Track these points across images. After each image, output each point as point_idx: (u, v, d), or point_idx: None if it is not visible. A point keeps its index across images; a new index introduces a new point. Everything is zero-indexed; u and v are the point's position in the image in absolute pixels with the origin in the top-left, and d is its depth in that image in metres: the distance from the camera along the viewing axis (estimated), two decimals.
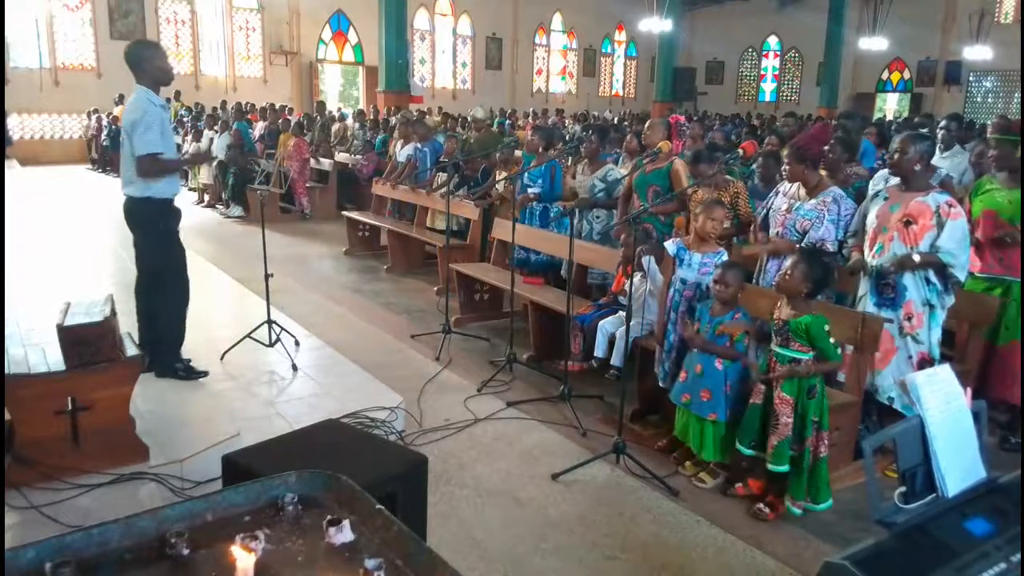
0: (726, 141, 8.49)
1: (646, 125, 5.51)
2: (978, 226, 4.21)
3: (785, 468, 3.24)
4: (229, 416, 3.81)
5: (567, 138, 12.40)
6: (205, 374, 4.27)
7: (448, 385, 4.72)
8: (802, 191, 4.12)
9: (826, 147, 4.78)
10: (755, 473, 3.46)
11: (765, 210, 4.37)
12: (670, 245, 3.99)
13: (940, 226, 3.59)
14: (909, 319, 3.72)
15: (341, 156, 12.10)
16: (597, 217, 5.71)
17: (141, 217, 4.08)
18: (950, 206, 3.61)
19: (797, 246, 3.95)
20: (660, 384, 3.99)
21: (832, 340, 3.21)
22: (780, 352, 3.29)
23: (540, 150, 6.29)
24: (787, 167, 4.19)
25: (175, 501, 1.65)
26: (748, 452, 3.38)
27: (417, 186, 8.00)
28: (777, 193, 4.32)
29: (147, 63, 3.97)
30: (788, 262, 3.38)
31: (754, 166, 6.82)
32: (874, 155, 6.94)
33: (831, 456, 3.57)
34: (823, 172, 4.78)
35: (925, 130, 7.04)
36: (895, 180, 3.91)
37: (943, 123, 6.91)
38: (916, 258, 3.64)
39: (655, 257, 4.29)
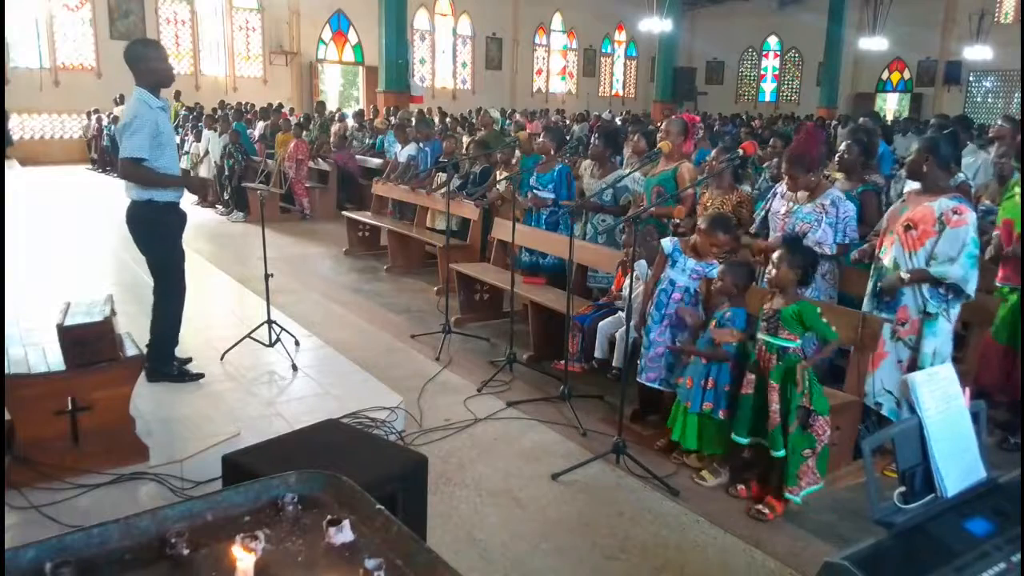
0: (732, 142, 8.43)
1: (663, 125, 5.34)
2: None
3: (782, 453, 3.25)
4: (229, 416, 3.81)
5: (568, 138, 12.42)
6: (201, 376, 4.25)
7: (448, 385, 4.72)
8: (801, 193, 4.09)
9: (842, 148, 4.69)
10: (754, 473, 3.47)
11: (764, 212, 4.36)
12: (666, 243, 3.99)
13: (942, 233, 3.51)
14: (902, 324, 3.68)
15: None
16: (603, 220, 5.67)
17: (143, 221, 4.04)
18: (955, 213, 3.48)
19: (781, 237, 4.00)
20: (638, 380, 3.99)
21: (824, 319, 3.24)
22: (769, 340, 3.31)
23: (552, 152, 6.14)
24: (788, 180, 4.11)
25: (175, 501, 1.65)
26: (743, 441, 3.39)
27: (417, 186, 8.00)
28: (775, 195, 4.30)
29: (146, 63, 3.92)
30: (774, 256, 3.41)
31: (764, 166, 6.82)
32: (891, 161, 6.88)
33: (832, 456, 3.58)
34: (839, 175, 4.71)
35: (928, 130, 6.97)
36: (915, 184, 3.84)
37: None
38: (905, 277, 3.58)
39: (648, 258, 4.29)
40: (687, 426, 3.59)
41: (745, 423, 3.38)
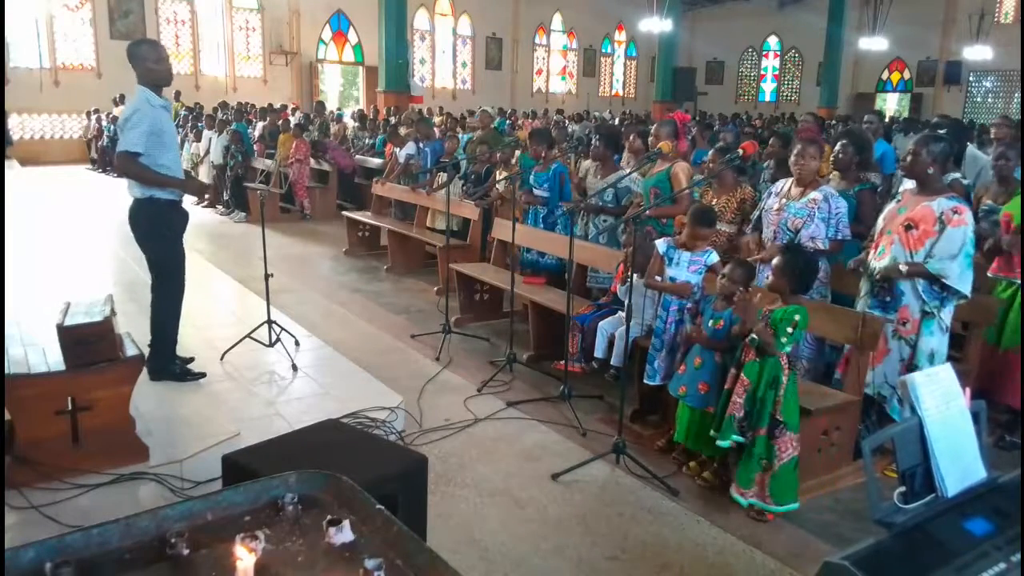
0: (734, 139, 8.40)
1: (654, 128, 5.41)
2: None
3: (725, 444, 3.29)
4: (229, 416, 3.81)
5: (571, 136, 12.41)
6: (203, 375, 4.26)
7: (448, 385, 4.72)
8: (794, 189, 4.14)
9: (838, 146, 4.73)
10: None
11: (759, 211, 4.37)
12: (660, 244, 4.01)
13: (942, 232, 3.53)
14: (904, 323, 3.69)
15: None
16: (604, 220, 5.66)
17: (145, 219, 4.05)
18: (955, 212, 3.52)
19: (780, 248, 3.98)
20: (646, 382, 4.00)
21: (790, 331, 3.21)
22: (754, 337, 3.30)
23: (544, 154, 6.20)
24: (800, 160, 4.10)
25: (175, 501, 1.65)
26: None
27: (417, 186, 8.01)
28: (771, 194, 4.34)
29: (145, 63, 3.97)
30: (774, 264, 3.43)
31: (763, 167, 6.79)
32: (894, 160, 6.84)
33: (832, 456, 3.58)
34: (834, 174, 4.75)
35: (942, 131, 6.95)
36: (910, 183, 3.85)
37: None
38: (903, 268, 3.60)
39: (646, 259, 4.29)
40: (700, 429, 3.57)
41: (721, 419, 3.38)
